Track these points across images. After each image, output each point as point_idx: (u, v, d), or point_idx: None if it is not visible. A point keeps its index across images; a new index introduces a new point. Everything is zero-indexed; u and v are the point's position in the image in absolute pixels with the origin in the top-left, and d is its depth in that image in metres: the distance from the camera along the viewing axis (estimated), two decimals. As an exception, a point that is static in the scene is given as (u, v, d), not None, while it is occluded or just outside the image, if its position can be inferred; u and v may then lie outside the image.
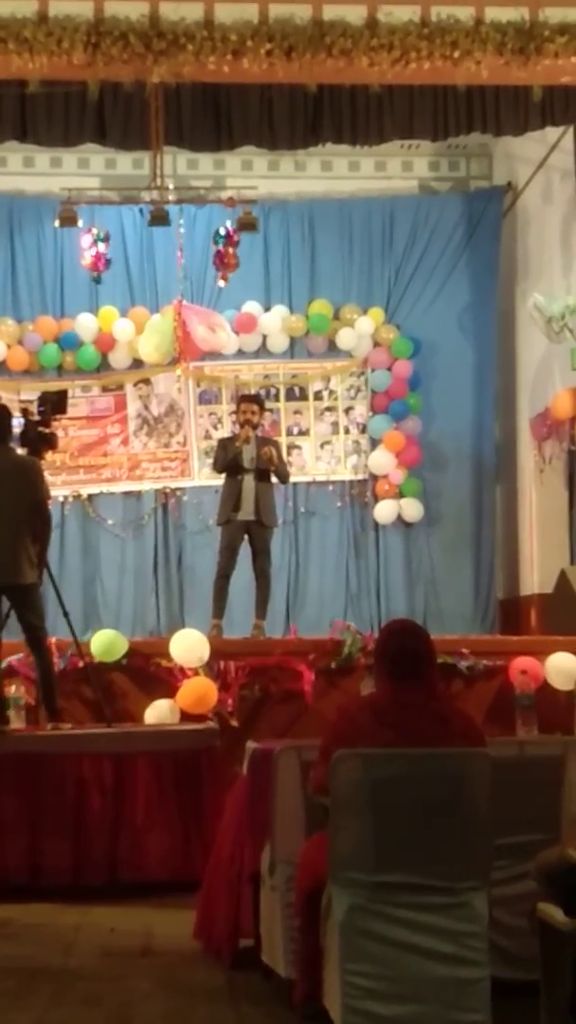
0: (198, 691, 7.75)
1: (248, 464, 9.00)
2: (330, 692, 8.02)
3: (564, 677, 8.01)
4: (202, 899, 5.25)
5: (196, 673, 7.90)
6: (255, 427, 9.17)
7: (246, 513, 8.99)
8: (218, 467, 9.26)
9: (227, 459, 9.05)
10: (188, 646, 7.97)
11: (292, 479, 11.18)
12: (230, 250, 10.42)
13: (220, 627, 8.92)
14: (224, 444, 9.30)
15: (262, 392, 11.20)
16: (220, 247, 10.46)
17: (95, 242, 10.42)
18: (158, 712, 7.71)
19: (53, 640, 7.46)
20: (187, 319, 11.10)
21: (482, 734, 3.99)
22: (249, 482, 8.99)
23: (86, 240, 10.47)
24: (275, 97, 8.74)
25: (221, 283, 10.81)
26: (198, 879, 6.00)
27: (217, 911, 5.02)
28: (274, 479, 9.20)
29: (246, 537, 9.06)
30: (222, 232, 10.44)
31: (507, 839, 4.07)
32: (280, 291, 11.71)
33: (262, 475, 9.04)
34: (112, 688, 7.87)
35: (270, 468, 9.06)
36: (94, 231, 10.46)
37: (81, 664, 7.62)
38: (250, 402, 9.35)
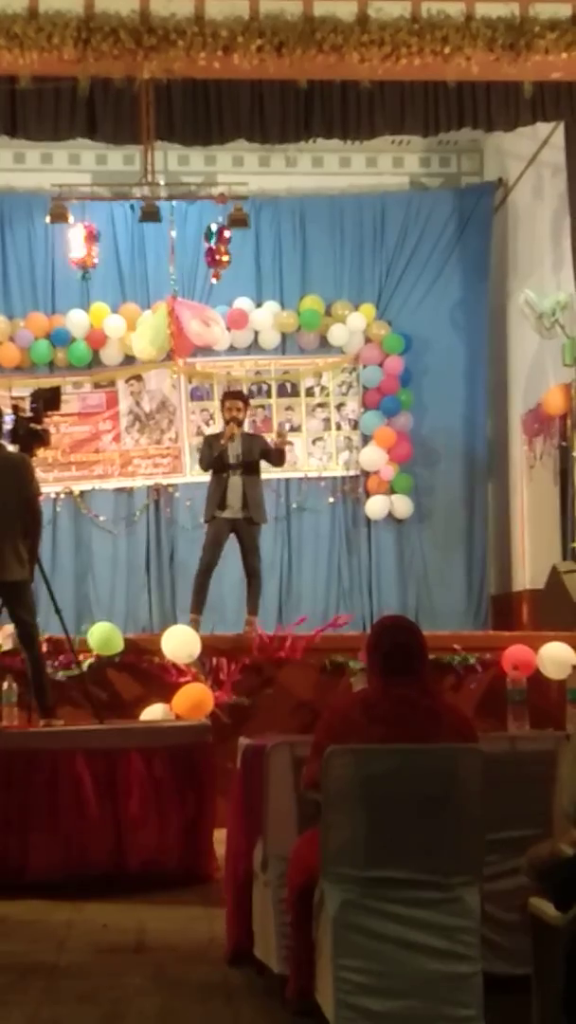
0: (194, 697, 7.69)
1: (234, 461, 8.98)
2: (323, 688, 8.03)
3: (557, 666, 8.04)
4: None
5: (189, 668, 7.90)
6: (240, 423, 9.16)
7: (232, 511, 8.96)
8: (204, 464, 9.24)
9: (213, 456, 9.04)
10: (179, 642, 7.96)
11: (283, 475, 11.26)
12: (222, 247, 10.41)
13: (198, 622, 8.90)
14: (210, 441, 9.28)
15: (251, 388, 11.22)
16: (212, 244, 10.44)
17: (93, 239, 10.40)
18: (153, 716, 7.69)
19: (45, 637, 7.47)
20: (180, 314, 11.10)
21: (474, 729, 3.99)
22: (235, 479, 8.97)
23: (78, 236, 10.43)
24: (266, 93, 8.74)
25: (214, 280, 10.80)
26: (191, 875, 6.03)
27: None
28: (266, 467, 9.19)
29: (233, 535, 9.05)
30: (213, 229, 10.43)
31: (499, 834, 4.07)
32: (271, 287, 11.72)
33: (249, 468, 9.02)
34: (105, 684, 7.87)
35: (281, 448, 9.19)
36: (87, 226, 10.45)
37: (75, 663, 7.61)
38: (235, 399, 9.32)
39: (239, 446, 8.99)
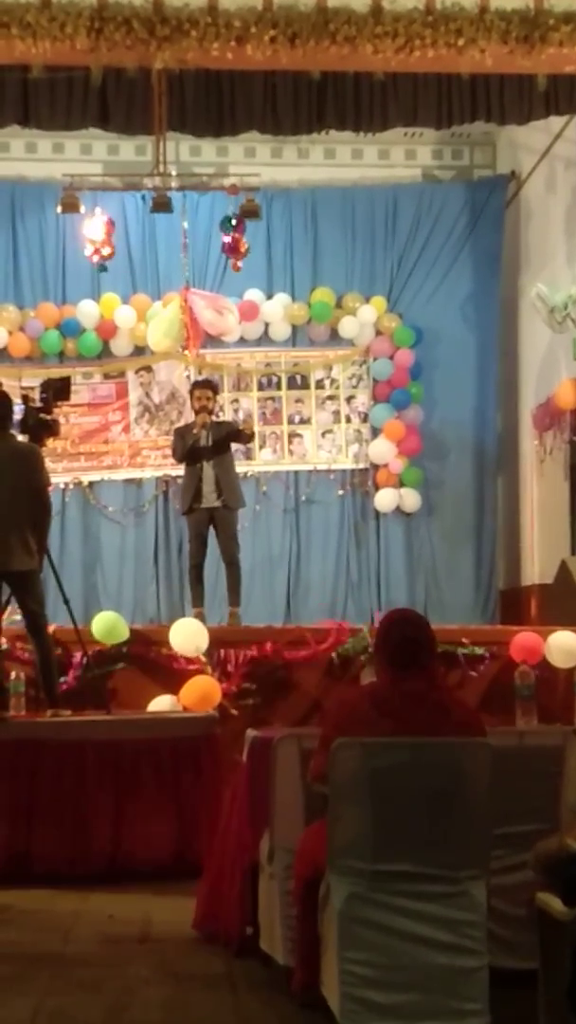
0: (201, 689, 7.69)
1: (205, 450, 9.00)
2: (331, 681, 8.02)
3: (565, 655, 8.06)
4: (205, 887, 5.24)
5: (197, 660, 7.90)
6: (211, 412, 9.18)
7: (209, 500, 9.01)
8: (178, 457, 9.30)
9: (186, 448, 9.06)
10: (187, 635, 7.96)
11: (293, 467, 11.28)
12: (239, 236, 10.37)
13: (202, 615, 8.91)
14: (181, 433, 9.32)
15: (261, 380, 11.19)
16: (230, 234, 10.40)
17: (108, 231, 10.35)
18: (160, 708, 7.69)
19: (53, 627, 7.47)
20: (193, 304, 11.08)
21: (482, 724, 3.99)
22: (208, 469, 8.99)
23: (97, 228, 10.36)
24: (278, 84, 8.71)
25: (234, 270, 10.74)
26: (197, 866, 6.01)
27: (224, 899, 5.02)
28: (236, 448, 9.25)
29: (211, 524, 9.07)
30: (232, 221, 10.38)
31: (506, 829, 4.07)
32: (282, 279, 11.69)
33: (219, 451, 9.02)
34: (112, 675, 7.87)
35: (245, 432, 9.33)
36: (103, 217, 10.40)
37: (82, 654, 7.61)
38: (204, 388, 9.35)
39: (210, 436, 9.00)
